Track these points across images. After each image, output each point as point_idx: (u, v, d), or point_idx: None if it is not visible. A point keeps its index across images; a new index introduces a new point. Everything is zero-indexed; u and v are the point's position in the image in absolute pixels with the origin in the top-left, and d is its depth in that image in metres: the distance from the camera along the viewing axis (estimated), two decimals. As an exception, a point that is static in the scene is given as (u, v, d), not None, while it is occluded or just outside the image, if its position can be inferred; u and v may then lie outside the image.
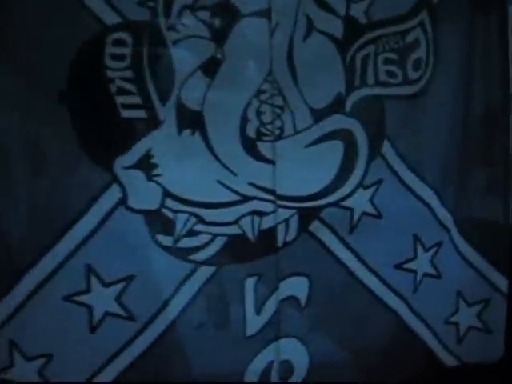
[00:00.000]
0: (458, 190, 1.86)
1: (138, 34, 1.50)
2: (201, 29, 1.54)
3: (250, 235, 1.63)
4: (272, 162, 1.63)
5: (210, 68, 1.55)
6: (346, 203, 1.70)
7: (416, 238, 1.81)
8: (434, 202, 1.82)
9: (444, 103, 1.81)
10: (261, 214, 1.64)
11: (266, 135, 1.61)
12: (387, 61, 1.71)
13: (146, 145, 1.53)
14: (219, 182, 1.59)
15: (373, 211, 1.74)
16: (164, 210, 1.57)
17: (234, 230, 1.62)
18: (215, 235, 1.61)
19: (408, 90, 1.75)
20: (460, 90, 1.83)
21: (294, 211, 1.66)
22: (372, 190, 1.73)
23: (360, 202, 1.72)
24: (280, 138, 1.63)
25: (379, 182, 1.74)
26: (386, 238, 1.75)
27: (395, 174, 1.76)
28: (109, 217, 1.52)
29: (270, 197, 1.64)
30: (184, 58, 1.54)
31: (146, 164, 1.53)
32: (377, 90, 1.71)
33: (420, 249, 1.82)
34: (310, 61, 1.62)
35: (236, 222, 1.62)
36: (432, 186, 1.81)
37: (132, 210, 1.54)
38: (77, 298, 1.53)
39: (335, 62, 1.65)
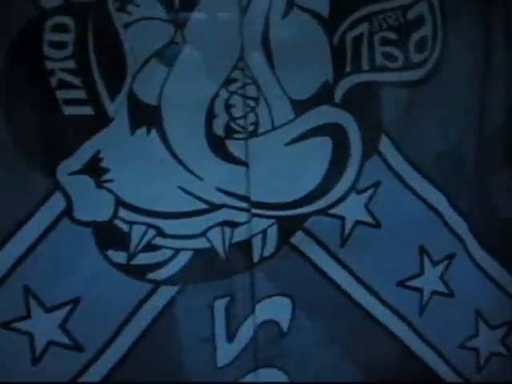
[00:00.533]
0: (474, 192, 1.62)
1: (82, 17, 1.32)
2: (157, 9, 1.35)
3: (219, 249, 1.45)
4: (245, 164, 1.43)
5: (169, 55, 1.37)
6: (336, 211, 1.50)
7: (422, 250, 1.58)
8: (444, 206, 1.59)
9: (455, 91, 1.57)
10: (232, 224, 1.45)
11: (237, 132, 1.42)
12: (385, 41, 1.49)
13: (93, 146, 1.36)
14: (181, 188, 1.41)
15: (369, 219, 1.53)
16: (116, 222, 1.39)
17: (200, 243, 1.43)
18: (178, 250, 1.42)
19: (411, 76, 1.52)
20: (476, 76, 1.58)
21: (273, 221, 1.47)
22: (368, 194, 1.52)
23: (353, 208, 1.51)
24: (254, 135, 1.43)
25: (376, 184, 1.52)
26: (385, 251, 1.54)
27: (396, 174, 1.54)
28: (51, 230, 1.35)
29: (244, 204, 1.45)
30: (137, 44, 1.35)
31: (94, 168, 1.36)
32: (372, 76, 1.50)
33: (427, 263, 1.59)
34: (289, 43, 1.42)
35: (203, 234, 1.43)
36: (441, 188, 1.58)
37: (78, 221, 1.37)
38: (15, 325, 1.36)
39: (321, 44, 1.45)
